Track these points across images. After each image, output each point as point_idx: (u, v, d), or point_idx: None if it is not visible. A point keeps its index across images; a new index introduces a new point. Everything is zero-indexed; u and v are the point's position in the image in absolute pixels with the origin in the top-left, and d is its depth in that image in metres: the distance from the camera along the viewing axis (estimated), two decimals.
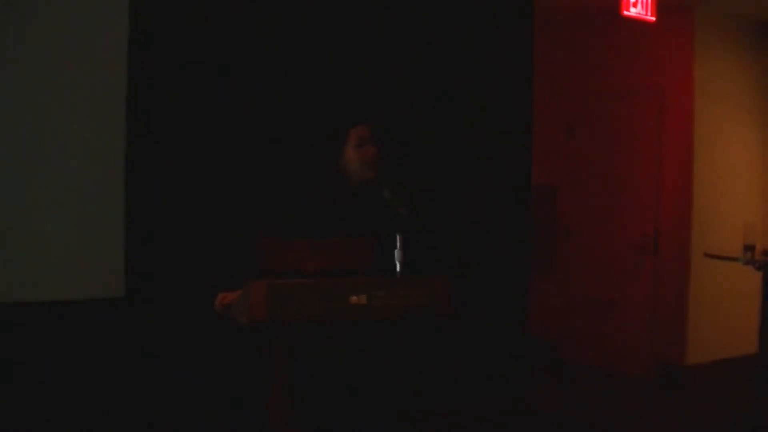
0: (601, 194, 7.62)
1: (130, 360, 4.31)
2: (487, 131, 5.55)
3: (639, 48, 7.30)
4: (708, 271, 6.85)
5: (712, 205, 7.07)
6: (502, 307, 5.58)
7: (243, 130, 4.65)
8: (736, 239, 6.01)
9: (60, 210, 4.17)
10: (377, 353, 3.29)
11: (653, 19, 6.47)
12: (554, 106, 7.77)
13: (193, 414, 4.41)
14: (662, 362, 7.08)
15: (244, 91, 4.66)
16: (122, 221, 4.32)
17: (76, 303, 4.19)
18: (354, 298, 2.89)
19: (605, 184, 7.59)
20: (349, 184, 3.57)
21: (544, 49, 6.51)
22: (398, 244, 3.10)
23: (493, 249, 5.50)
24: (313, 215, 3.49)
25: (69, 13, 4.19)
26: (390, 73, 5.10)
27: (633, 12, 6.36)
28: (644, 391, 6.89)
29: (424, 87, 5.26)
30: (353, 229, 3.25)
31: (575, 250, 7.86)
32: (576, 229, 7.85)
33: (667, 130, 7.14)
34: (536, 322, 6.58)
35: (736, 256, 5.86)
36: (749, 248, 5.81)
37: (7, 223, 4.05)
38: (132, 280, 4.33)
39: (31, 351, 4.09)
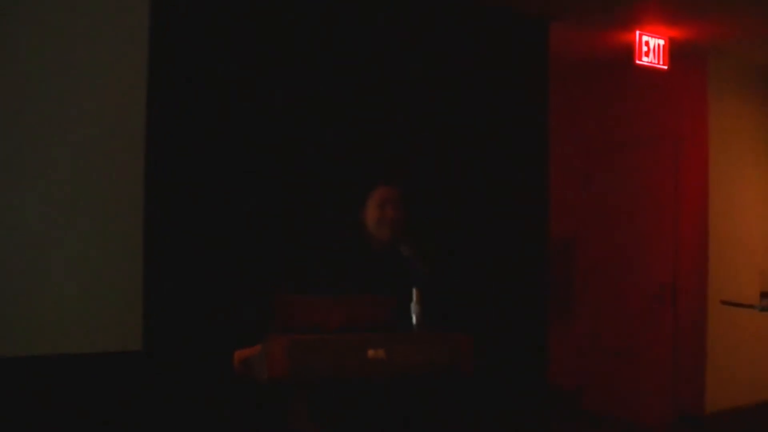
0: (619, 244, 7.60)
1: (148, 415, 4.29)
2: (504, 184, 5.56)
3: (654, 96, 7.32)
4: (726, 318, 6.80)
5: (728, 253, 7.03)
6: (522, 360, 5.55)
7: (264, 185, 4.68)
8: (753, 286, 5.98)
9: (78, 261, 4.19)
10: (396, 409, 3.27)
11: (665, 67, 6.50)
12: (570, 155, 7.78)
13: None
14: (682, 411, 7.01)
15: (266, 143, 4.70)
16: (141, 273, 4.33)
17: (93, 356, 4.19)
18: (371, 352, 2.89)
19: (623, 233, 7.57)
20: (368, 242, 3.60)
21: (559, 99, 6.54)
22: (414, 298, 3.11)
23: (512, 302, 5.48)
24: (332, 272, 3.51)
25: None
26: (407, 130, 5.13)
27: (645, 61, 6.40)
28: None
29: (440, 142, 5.29)
30: (373, 286, 3.26)
31: (594, 300, 7.82)
32: (594, 279, 7.83)
33: (684, 178, 7.13)
34: (556, 373, 6.54)
35: (753, 303, 5.83)
36: (766, 295, 5.79)
37: (24, 273, 4.06)
38: (150, 333, 4.33)
39: (46, 404, 4.08)
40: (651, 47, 6.42)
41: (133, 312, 4.29)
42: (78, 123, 4.19)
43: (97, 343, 4.20)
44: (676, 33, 6.39)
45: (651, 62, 6.44)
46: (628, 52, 6.45)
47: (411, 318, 3.10)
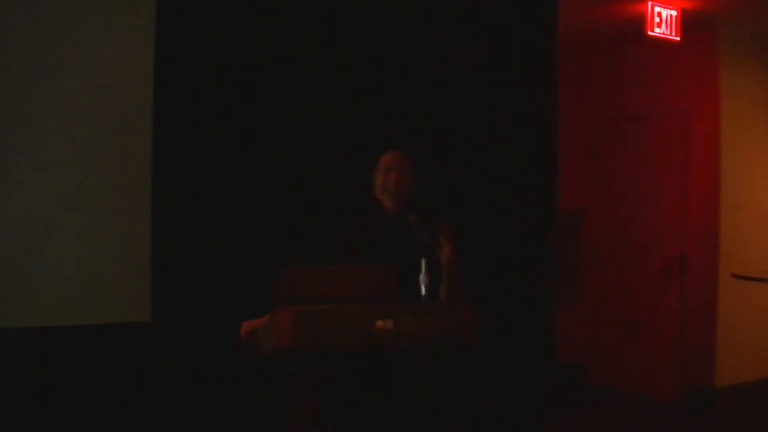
0: (627, 218, 7.57)
1: (156, 386, 4.31)
2: (512, 156, 5.51)
3: (664, 69, 7.26)
4: (736, 292, 6.77)
5: (739, 227, 6.99)
6: (529, 333, 5.52)
7: (272, 156, 4.66)
8: (764, 260, 5.95)
9: (86, 234, 4.19)
10: (401, 381, 3.25)
11: (678, 38, 6.45)
12: (579, 129, 7.73)
13: None
14: (691, 385, 6.99)
15: (273, 118, 4.67)
16: (149, 245, 4.33)
17: (102, 327, 4.20)
18: (380, 323, 2.87)
19: (631, 207, 7.53)
20: (375, 211, 3.58)
21: (568, 72, 6.48)
22: (423, 268, 3.10)
23: (519, 274, 5.45)
24: (339, 242, 3.50)
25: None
26: (416, 98, 5.09)
27: (658, 32, 6.34)
28: (673, 417, 6.81)
29: (448, 113, 5.25)
30: (379, 256, 3.24)
31: (602, 274, 7.80)
32: (602, 253, 7.80)
33: (694, 151, 7.09)
34: (563, 348, 6.52)
35: (765, 277, 5.81)
36: None
37: (34, 247, 4.07)
38: (158, 305, 4.33)
39: (56, 376, 4.10)
40: (663, 18, 6.36)
41: (142, 284, 4.30)
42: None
43: (106, 315, 4.22)
44: (688, 4, 6.33)
45: (663, 33, 6.38)
46: (640, 23, 6.38)
47: (419, 288, 3.09)
